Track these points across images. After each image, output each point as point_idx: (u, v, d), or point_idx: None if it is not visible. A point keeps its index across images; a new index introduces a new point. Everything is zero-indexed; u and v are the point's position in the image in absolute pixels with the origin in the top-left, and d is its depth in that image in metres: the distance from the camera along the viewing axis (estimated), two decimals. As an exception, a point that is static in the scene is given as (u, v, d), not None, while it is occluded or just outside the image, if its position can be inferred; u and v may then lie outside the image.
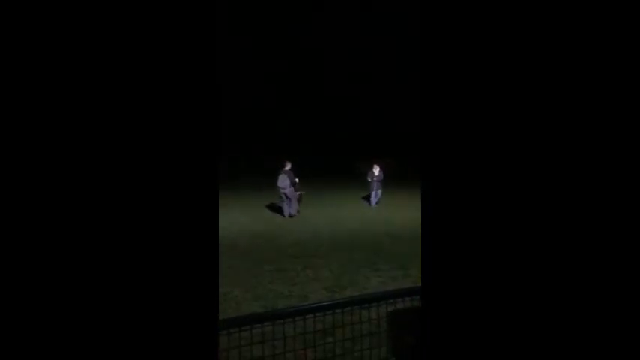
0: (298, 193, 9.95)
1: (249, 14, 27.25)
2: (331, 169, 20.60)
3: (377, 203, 11.63)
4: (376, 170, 11.52)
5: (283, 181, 9.35)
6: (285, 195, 9.45)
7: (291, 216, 9.61)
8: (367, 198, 12.03)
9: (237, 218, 9.53)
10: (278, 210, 10.54)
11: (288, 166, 9.49)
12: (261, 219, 9.80)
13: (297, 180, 9.56)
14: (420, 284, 2.36)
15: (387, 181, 11.95)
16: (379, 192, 11.66)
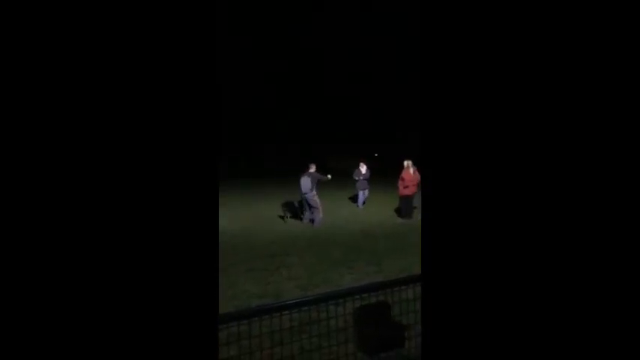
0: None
1: (250, 14, 27.03)
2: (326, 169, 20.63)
3: (364, 203, 11.13)
4: (363, 168, 11.00)
5: (305, 185, 8.69)
6: (307, 201, 8.79)
7: (312, 221, 8.80)
8: (354, 198, 11.49)
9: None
10: (256, 210, 10.37)
11: (312, 168, 8.86)
12: (237, 219, 9.73)
13: (328, 176, 8.95)
14: (389, 279, 2.41)
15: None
16: (366, 192, 11.09)
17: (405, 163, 9.26)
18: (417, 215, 8.99)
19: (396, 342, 2.22)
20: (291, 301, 1.99)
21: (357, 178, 11.06)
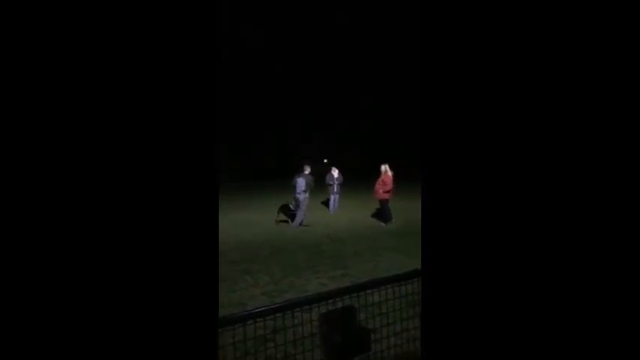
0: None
1: (248, 15, 26.67)
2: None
3: (334, 208, 11.00)
4: (335, 172, 10.85)
5: (300, 185, 8.74)
6: (296, 200, 8.81)
7: (301, 225, 8.88)
8: (326, 203, 11.37)
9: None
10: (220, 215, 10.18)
11: (307, 170, 8.91)
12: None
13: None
14: (355, 283, 2.40)
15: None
16: (337, 196, 10.97)
17: (383, 167, 9.13)
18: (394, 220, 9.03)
19: (361, 347, 2.21)
20: (255, 310, 1.94)
21: (330, 183, 10.95)
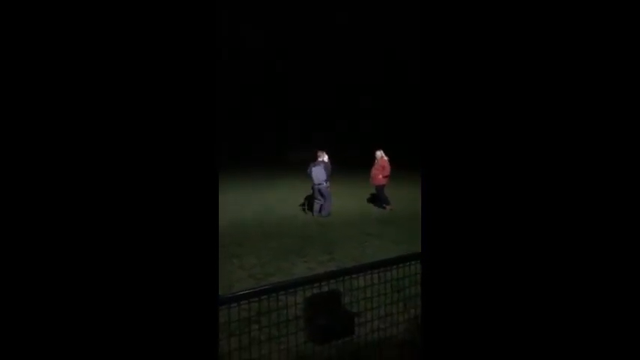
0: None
1: (248, 15, 26.65)
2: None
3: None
4: (325, 157, 10.72)
5: (319, 175, 8.16)
6: (320, 192, 8.35)
7: (323, 216, 8.37)
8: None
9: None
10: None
11: (324, 157, 8.41)
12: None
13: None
14: (342, 267, 2.41)
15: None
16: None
17: (378, 153, 9.14)
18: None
19: (346, 330, 2.22)
20: (241, 292, 1.95)
21: None
